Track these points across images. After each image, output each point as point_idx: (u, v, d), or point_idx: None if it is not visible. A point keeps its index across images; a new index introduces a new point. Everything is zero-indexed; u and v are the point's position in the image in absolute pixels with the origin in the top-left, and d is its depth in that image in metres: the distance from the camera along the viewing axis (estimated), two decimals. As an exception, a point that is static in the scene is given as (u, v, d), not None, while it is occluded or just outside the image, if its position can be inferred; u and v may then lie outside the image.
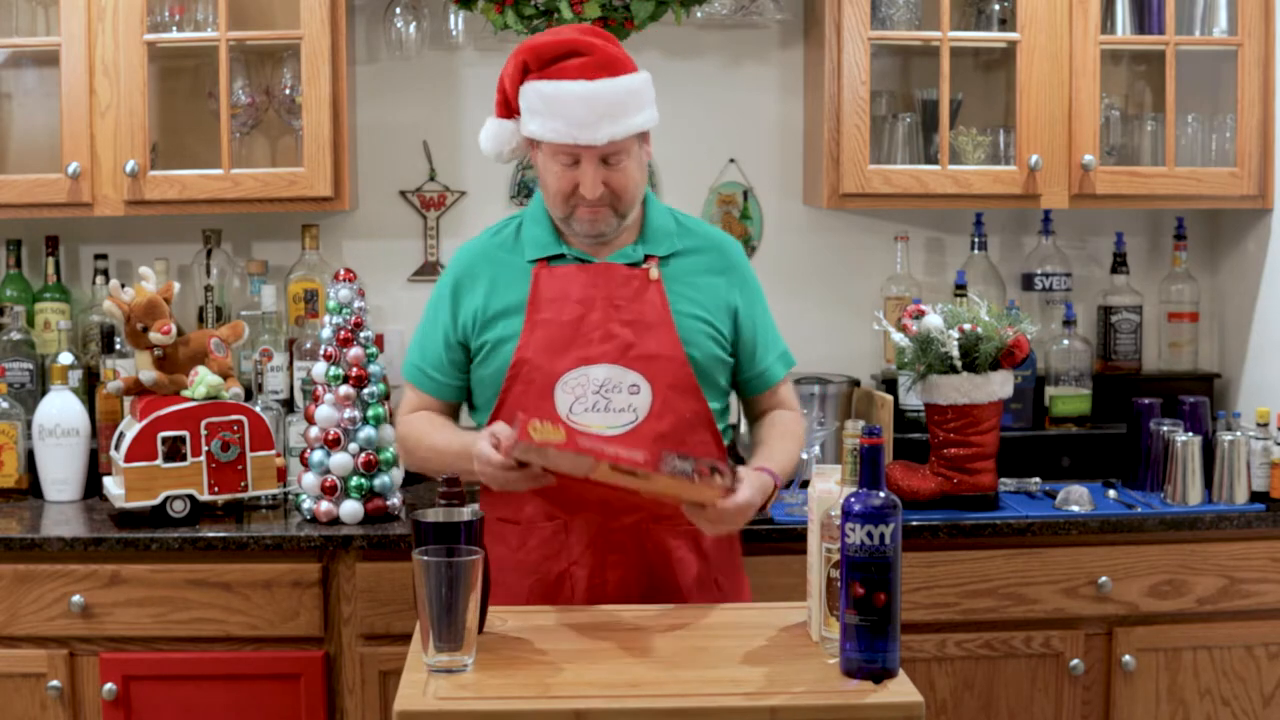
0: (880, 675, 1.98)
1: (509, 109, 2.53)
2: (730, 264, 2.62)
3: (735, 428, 3.14)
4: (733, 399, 2.69)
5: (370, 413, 3.07)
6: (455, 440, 2.53)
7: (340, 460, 3.05)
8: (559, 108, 2.41)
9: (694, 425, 2.52)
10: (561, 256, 2.55)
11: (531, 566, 2.53)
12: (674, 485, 2.25)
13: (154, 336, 3.11)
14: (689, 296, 2.55)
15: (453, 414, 2.66)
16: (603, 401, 2.47)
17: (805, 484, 2.98)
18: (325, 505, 3.05)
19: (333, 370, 3.07)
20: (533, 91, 2.45)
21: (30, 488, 3.30)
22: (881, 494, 1.99)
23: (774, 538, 2.99)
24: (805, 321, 3.57)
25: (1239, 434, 3.17)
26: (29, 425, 3.28)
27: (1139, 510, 3.13)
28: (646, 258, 2.55)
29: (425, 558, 2.00)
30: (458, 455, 2.45)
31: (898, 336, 3.15)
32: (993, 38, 3.48)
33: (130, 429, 3.07)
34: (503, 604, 2.45)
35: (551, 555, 2.52)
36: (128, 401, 3.21)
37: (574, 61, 2.42)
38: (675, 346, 2.50)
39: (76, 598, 2.95)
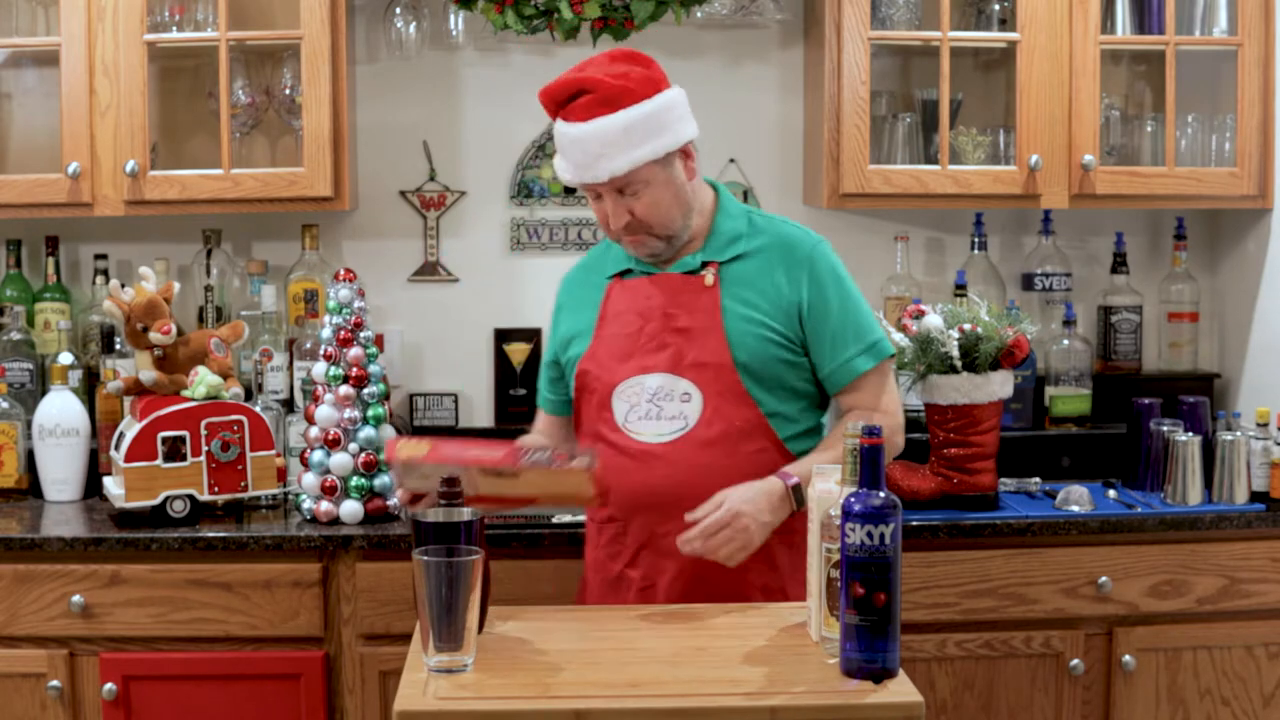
0: (880, 675, 1.98)
1: None
2: (797, 259, 2.59)
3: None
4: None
5: (370, 413, 3.07)
6: None
7: (340, 460, 3.05)
8: (564, 149, 2.51)
9: (747, 433, 2.52)
10: (631, 271, 2.62)
11: (599, 565, 2.62)
12: (542, 479, 2.28)
13: (154, 336, 3.11)
14: (745, 299, 2.55)
15: (568, 427, 2.76)
16: (655, 409, 2.52)
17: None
18: (325, 505, 3.05)
19: (333, 370, 3.07)
20: (555, 132, 2.55)
21: (30, 488, 3.30)
22: (881, 494, 1.99)
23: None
24: (805, 321, 3.57)
25: (1239, 434, 3.17)
26: (29, 425, 3.28)
27: (1139, 510, 3.13)
28: (705, 264, 2.57)
29: (425, 558, 2.00)
30: None
31: (898, 336, 3.15)
32: (993, 38, 3.48)
33: (130, 429, 3.08)
34: (585, 603, 2.61)
35: (612, 556, 2.59)
36: (128, 401, 3.21)
37: (581, 101, 2.48)
38: (723, 353, 2.52)
39: (76, 598, 2.95)
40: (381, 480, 3.08)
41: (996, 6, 3.48)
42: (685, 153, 2.55)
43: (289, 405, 3.40)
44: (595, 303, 2.63)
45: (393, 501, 3.10)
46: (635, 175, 2.48)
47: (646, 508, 2.52)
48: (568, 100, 2.48)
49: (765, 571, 2.53)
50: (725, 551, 2.36)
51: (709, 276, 2.56)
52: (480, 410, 3.68)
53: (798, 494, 2.44)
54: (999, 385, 3.10)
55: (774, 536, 2.48)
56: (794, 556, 2.54)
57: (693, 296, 2.55)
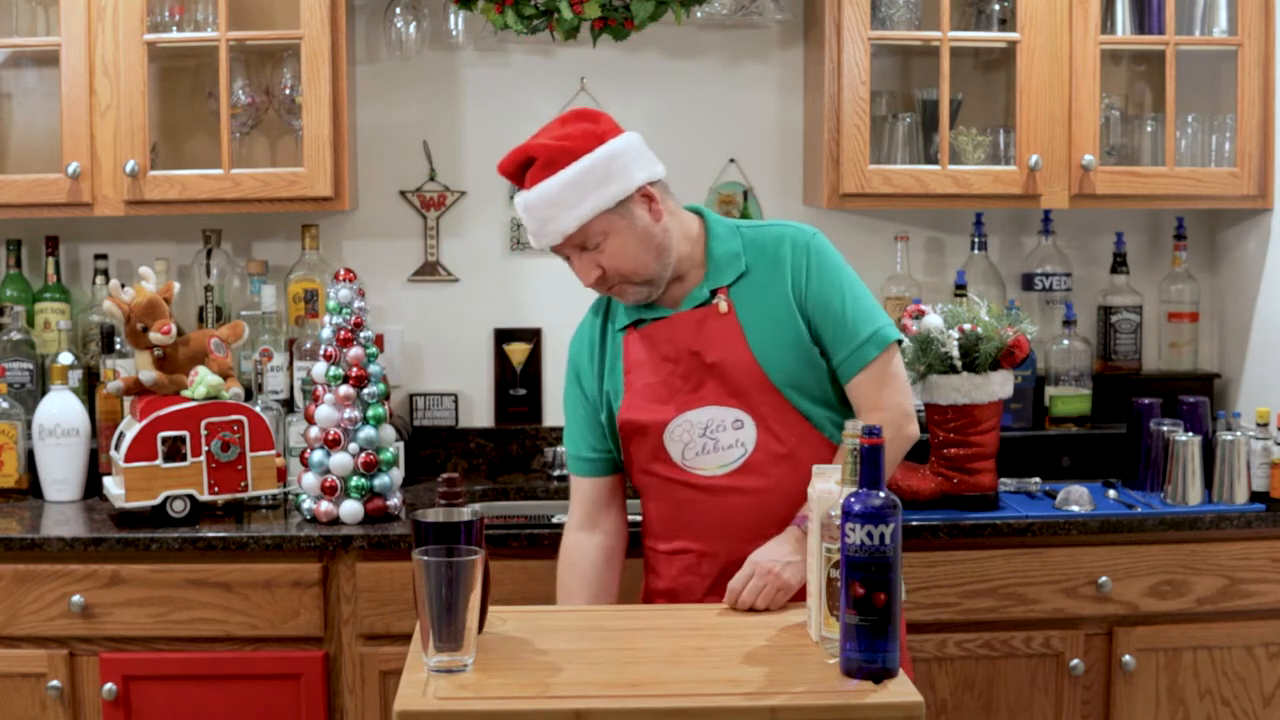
0: (880, 675, 1.98)
1: None
2: (795, 257, 2.56)
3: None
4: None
5: (370, 413, 3.07)
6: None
7: (340, 460, 3.05)
8: (522, 218, 2.53)
9: (803, 444, 2.52)
10: (642, 320, 2.59)
11: (675, 595, 2.59)
12: None
13: (154, 336, 3.11)
14: (761, 315, 2.54)
15: (619, 488, 2.70)
16: (710, 443, 2.52)
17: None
18: (325, 505, 3.05)
19: (333, 370, 3.07)
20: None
21: (30, 488, 3.30)
22: (881, 494, 1.99)
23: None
24: (805, 321, 3.57)
25: (1239, 434, 3.17)
26: (29, 425, 3.28)
27: (1139, 510, 3.13)
28: (713, 293, 2.56)
29: (425, 558, 2.00)
30: None
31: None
32: (993, 38, 3.47)
33: (130, 429, 3.07)
34: None
35: (688, 587, 2.58)
36: (128, 401, 3.21)
37: (530, 170, 2.50)
38: (759, 377, 2.51)
39: (76, 598, 2.95)
40: (381, 480, 3.08)
41: (996, 6, 3.48)
42: (645, 195, 2.52)
43: (289, 405, 3.40)
44: (615, 358, 2.62)
45: (393, 501, 3.10)
46: (589, 230, 2.48)
47: (725, 536, 2.52)
48: (521, 171, 2.51)
49: None
50: (762, 599, 2.36)
51: (722, 304, 2.55)
52: (480, 410, 3.68)
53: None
54: (999, 385, 3.10)
55: None
56: None
57: (714, 329, 2.54)
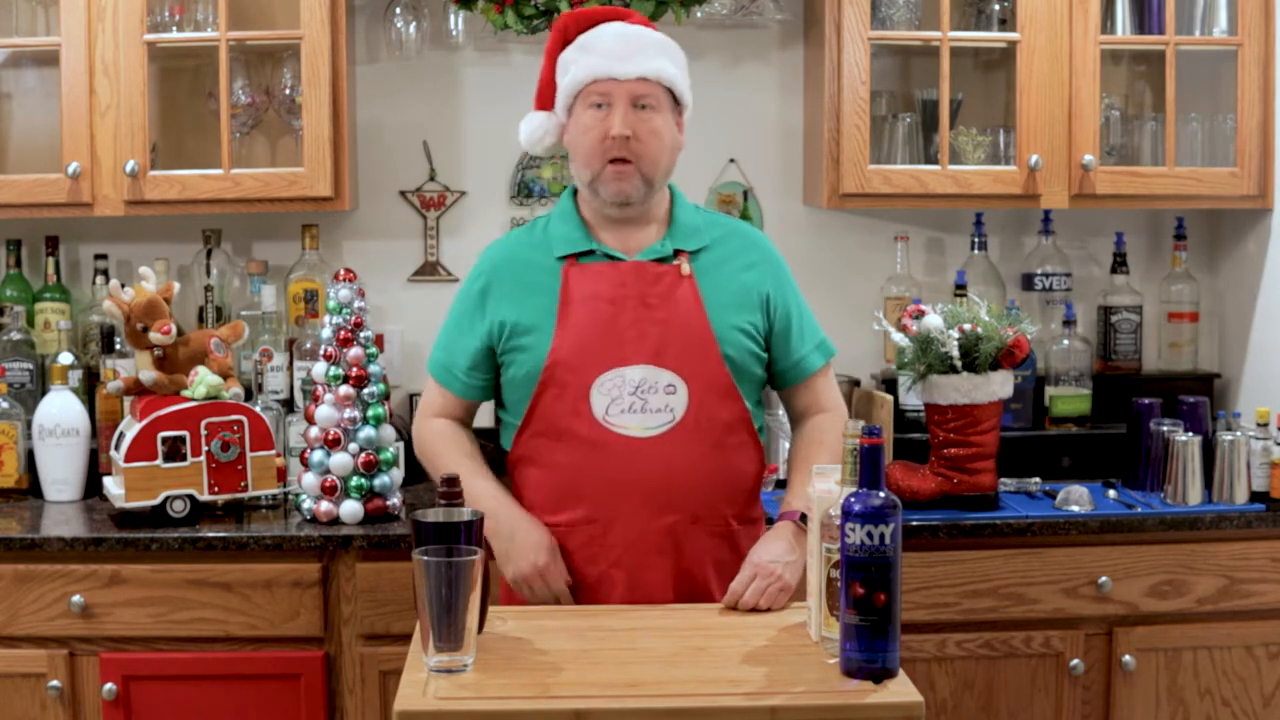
0: (880, 675, 1.98)
1: (547, 100, 2.58)
2: (762, 254, 2.60)
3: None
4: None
5: (370, 413, 3.07)
6: (481, 488, 2.54)
7: (340, 460, 3.05)
8: (595, 45, 2.50)
9: (731, 426, 2.51)
10: (591, 253, 2.54)
11: (569, 570, 2.52)
12: None
13: (154, 336, 3.11)
14: (720, 291, 2.53)
15: (473, 412, 2.71)
16: (639, 402, 2.46)
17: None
18: (325, 505, 3.05)
19: (333, 370, 3.07)
20: (572, 47, 2.53)
21: (30, 488, 3.30)
22: (881, 494, 1.99)
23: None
24: (805, 321, 3.57)
25: (1239, 434, 3.17)
26: (29, 425, 3.28)
27: (1139, 510, 3.13)
28: (677, 253, 2.54)
29: (425, 558, 2.00)
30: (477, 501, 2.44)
31: (898, 336, 3.15)
32: (993, 38, 3.48)
33: (130, 429, 3.08)
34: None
35: (590, 559, 2.51)
36: (128, 401, 3.21)
37: (614, 24, 2.53)
38: (711, 346, 2.49)
39: (76, 598, 2.95)
40: (381, 480, 3.08)
41: (996, 6, 3.48)
42: (681, 121, 2.58)
43: (289, 405, 3.40)
44: (547, 288, 2.52)
45: (393, 501, 3.10)
46: (655, 92, 2.49)
47: (635, 502, 2.46)
48: (596, 24, 2.53)
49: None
50: (765, 600, 2.34)
51: (685, 266, 2.52)
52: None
53: (807, 522, 2.43)
54: (999, 385, 3.10)
55: (741, 527, 2.54)
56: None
57: (669, 286, 2.51)
